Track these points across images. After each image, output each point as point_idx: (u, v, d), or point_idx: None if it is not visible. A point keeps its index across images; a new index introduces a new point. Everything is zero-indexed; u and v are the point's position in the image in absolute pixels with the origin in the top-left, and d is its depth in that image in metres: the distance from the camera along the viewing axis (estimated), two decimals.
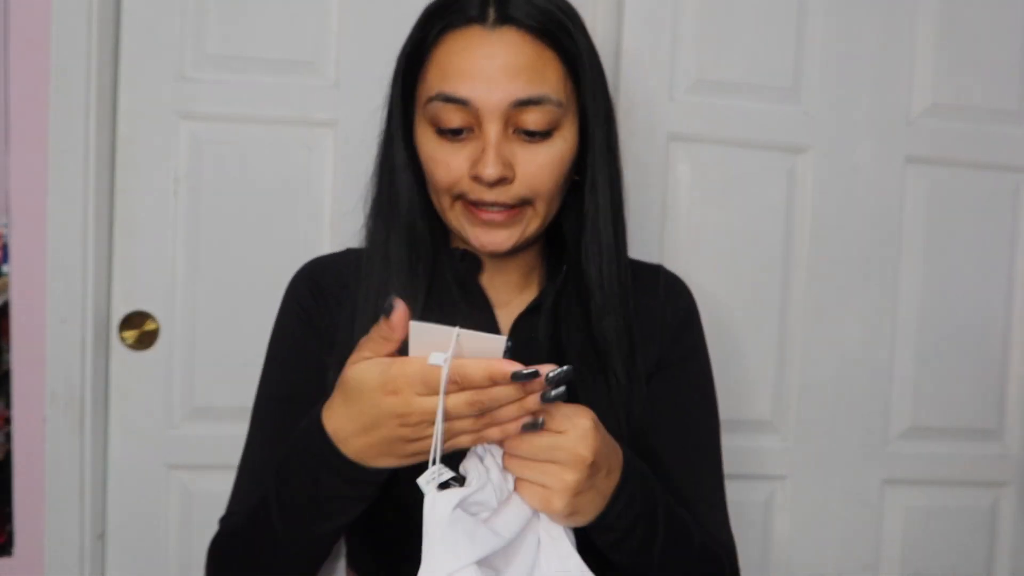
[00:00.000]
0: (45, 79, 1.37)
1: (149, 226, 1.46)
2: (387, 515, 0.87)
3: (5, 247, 1.40)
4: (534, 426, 0.70)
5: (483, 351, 0.65)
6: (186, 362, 1.48)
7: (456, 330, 0.65)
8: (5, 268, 1.40)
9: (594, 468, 0.73)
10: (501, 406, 0.68)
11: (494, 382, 0.66)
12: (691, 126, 1.52)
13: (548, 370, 0.66)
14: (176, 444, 1.49)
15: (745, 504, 1.58)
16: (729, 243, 1.55)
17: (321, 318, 0.96)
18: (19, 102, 1.38)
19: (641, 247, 1.50)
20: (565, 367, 0.67)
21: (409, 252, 0.91)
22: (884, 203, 1.58)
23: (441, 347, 0.65)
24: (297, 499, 0.77)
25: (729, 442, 1.55)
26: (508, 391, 0.66)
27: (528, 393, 0.67)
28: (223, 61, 1.45)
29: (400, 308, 0.68)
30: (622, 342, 0.91)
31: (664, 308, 1.00)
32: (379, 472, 0.73)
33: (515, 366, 0.65)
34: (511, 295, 0.97)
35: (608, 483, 0.76)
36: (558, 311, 0.93)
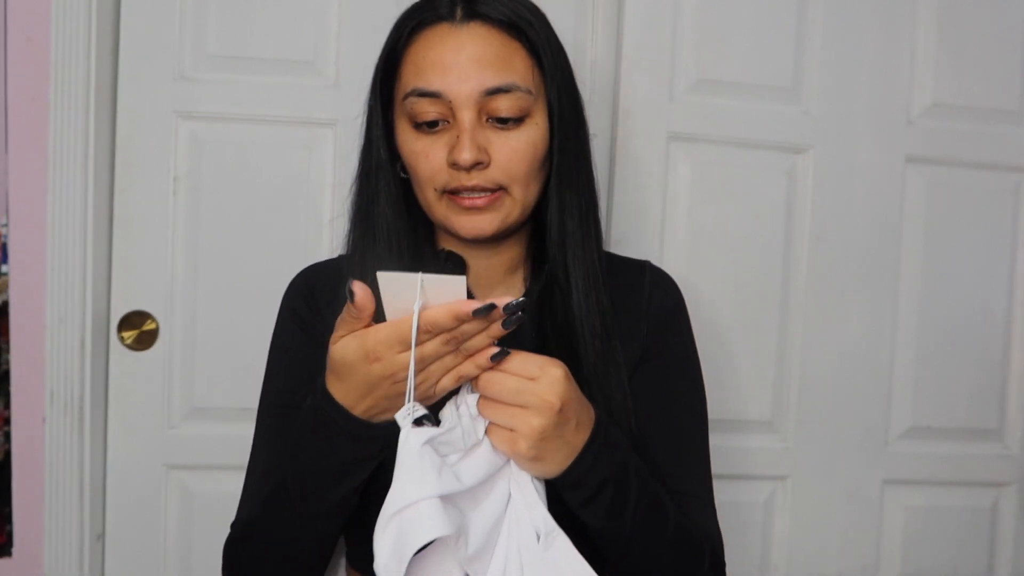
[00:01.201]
0: (45, 78, 1.37)
1: (148, 226, 1.46)
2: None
3: (5, 247, 1.40)
4: (502, 353, 0.75)
5: (448, 291, 0.72)
6: (185, 362, 1.48)
7: (420, 276, 0.71)
8: (5, 268, 1.40)
9: (562, 416, 0.76)
10: (471, 337, 0.74)
11: (460, 321, 0.71)
12: (691, 126, 1.52)
13: (504, 302, 0.72)
14: (175, 444, 1.49)
15: (745, 504, 1.58)
16: (729, 243, 1.55)
17: (315, 325, 0.97)
18: (19, 102, 1.38)
19: (641, 247, 1.50)
20: (520, 299, 0.73)
21: (388, 251, 0.94)
22: (884, 203, 1.58)
23: (410, 292, 0.72)
24: (314, 469, 0.81)
25: (729, 442, 1.57)
26: (474, 325, 0.73)
27: (492, 323, 0.73)
28: (223, 61, 1.45)
29: (360, 289, 0.73)
30: (588, 328, 0.93)
31: (649, 301, 1.01)
32: (388, 426, 0.78)
33: (474, 304, 0.71)
34: (497, 292, 0.99)
35: (577, 437, 0.78)
36: (542, 301, 0.96)
